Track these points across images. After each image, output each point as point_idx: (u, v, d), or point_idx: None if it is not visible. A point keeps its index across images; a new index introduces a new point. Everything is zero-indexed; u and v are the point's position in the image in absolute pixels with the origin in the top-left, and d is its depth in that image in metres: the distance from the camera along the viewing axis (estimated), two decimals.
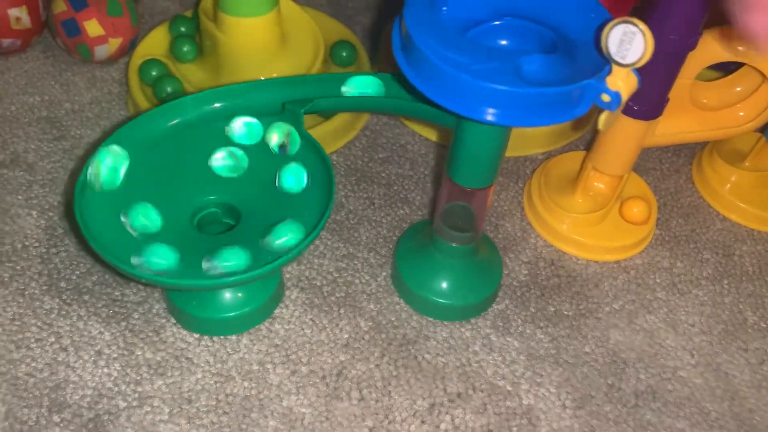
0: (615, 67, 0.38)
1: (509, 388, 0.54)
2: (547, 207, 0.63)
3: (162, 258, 0.45)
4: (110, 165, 0.49)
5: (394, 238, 0.62)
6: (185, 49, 0.72)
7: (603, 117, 0.40)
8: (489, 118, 0.38)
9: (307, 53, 0.70)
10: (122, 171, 0.50)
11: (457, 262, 0.56)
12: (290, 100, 0.52)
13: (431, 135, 0.70)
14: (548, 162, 0.67)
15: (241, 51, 0.67)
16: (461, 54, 0.39)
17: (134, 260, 0.46)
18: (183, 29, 0.74)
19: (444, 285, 0.56)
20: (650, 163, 0.72)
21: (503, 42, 0.43)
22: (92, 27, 0.69)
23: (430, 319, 0.57)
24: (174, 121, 0.52)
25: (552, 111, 0.38)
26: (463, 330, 0.57)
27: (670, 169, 0.72)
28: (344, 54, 0.74)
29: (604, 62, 0.39)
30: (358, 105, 0.50)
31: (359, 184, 0.66)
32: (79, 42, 0.70)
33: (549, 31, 0.43)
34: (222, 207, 0.53)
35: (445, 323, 0.57)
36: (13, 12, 0.70)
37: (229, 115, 0.53)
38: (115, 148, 0.50)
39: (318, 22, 0.73)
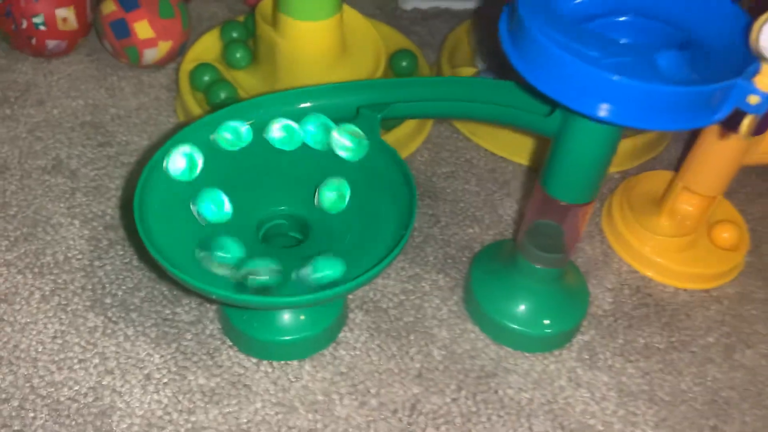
0: (766, 66, 0.34)
1: (601, 428, 0.48)
2: (630, 228, 0.58)
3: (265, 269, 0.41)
4: (184, 165, 0.45)
5: (464, 259, 0.57)
6: (238, 55, 0.68)
7: (747, 122, 0.35)
8: (619, 119, 0.34)
9: (368, 61, 0.66)
10: (197, 169, 0.46)
11: (542, 287, 0.51)
12: (366, 105, 0.48)
13: (504, 151, 0.66)
14: (630, 180, 0.62)
15: (301, 56, 0.62)
16: (589, 47, 0.34)
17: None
18: (235, 35, 0.70)
19: (526, 312, 0.51)
20: (731, 185, 0.67)
21: (623, 40, 0.38)
22: (142, 29, 0.65)
23: (509, 349, 0.52)
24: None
25: (691, 113, 0.34)
26: (546, 362, 0.51)
27: (753, 193, 0.67)
28: (404, 63, 0.70)
29: (747, 62, 0.34)
30: (444, 111, 0.46)
31: (423, 199, 0.62)
32: (127, 44, 0.66)
33: (674, 30, 0.38)
34: (290, 219, 0.48)
35: (526, 354, 0.52)
36: (61, 12, 0.66)
37: (299, 119, 0.49)
38: (187, 147, 0.46)
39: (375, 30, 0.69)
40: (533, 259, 0.49)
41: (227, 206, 0.45)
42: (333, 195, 0.46)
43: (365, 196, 0.47)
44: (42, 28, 0.66)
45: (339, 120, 0.49)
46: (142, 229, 0.42)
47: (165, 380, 0.48)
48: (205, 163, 0.46)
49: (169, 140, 0.46)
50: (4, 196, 0.58)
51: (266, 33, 0.63)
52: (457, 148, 0.66)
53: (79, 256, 0.54)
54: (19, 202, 0.58)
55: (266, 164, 0.48)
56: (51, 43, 0.67)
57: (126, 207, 0.58)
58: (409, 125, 0.64)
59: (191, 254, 0.43)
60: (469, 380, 0.50)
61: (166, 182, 0.45)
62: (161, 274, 0.53)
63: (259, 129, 0.48)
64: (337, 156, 0.48)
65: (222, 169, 0.46)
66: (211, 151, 0.47)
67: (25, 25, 0.65)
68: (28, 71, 0.69)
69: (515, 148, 0.65)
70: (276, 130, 0.47)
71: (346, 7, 0.66)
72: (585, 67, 0.33)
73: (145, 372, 0.48)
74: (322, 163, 0.48)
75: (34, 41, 0.67)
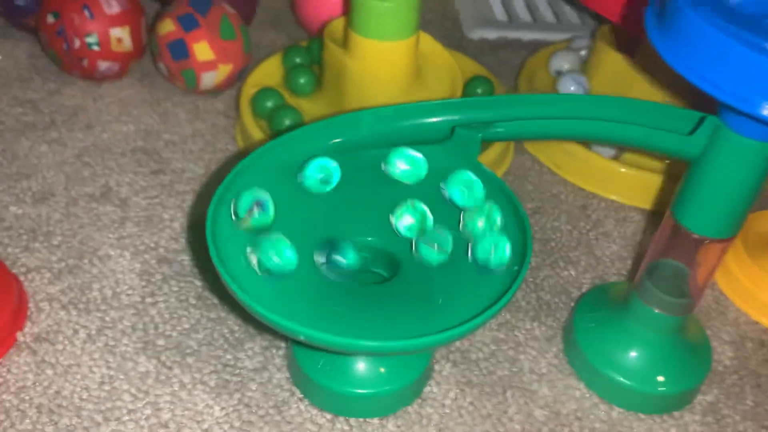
0: None
1: None
2: (747, 271, 0.51)
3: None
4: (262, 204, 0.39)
5: (561, 305, 0.51)
6: (302, 80, 0.63)
7: None
8: None
9: (444, 87, 0.61)
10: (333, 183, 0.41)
11: (662, 338, 0.44)
12: (462, 124, 0.42)
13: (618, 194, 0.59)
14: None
15: (373, 79, 0.57)
16: None
17: None
18: (298, 60, 0.66)
19: (641, 366, 0.44)
20: None
21: None
22: (202, 50, 0.61)
23: (621, 409, 0.45)
24: (329, 144, 0.42)
25: None
26: (666, 426, 0.44)
27: None
28: (479, 90, 0.64)
29: None
30: (558, 130, 0.40)
31: None
32: (185, 67, 0.61)
33: None
34: (374, 253, 0.42)
35: (641, 416, 0.44)
36: (115, 32, 0.62)
37: (385, 142, 0.43)
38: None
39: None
40: (653, 303, 0.43)
41: (289, 254, 0.38)
42: (433, 249, 0.40)
43: (458, 227, 0.41)
44: (95, 48, 0.62)
45: (431, 142, 0.43)
46: (216, 253, 0.36)
47: None
48: (288, 182, 0.40)
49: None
50: (48, 224, 0.53)
51: (335, 55, 0.59)
52: (542, 181, 0.60)
53: (129, 292, 0.48)
54: (64, 231, 0.52)
55: (351, 188, 0.42)
56: (103, 65, 0.63)
57: (181, 239, 0.52)
58: (488, 156, 0.59)
59: (265, 287, 0.37)
60: None
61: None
62: (233, 306, 0.47)
63: (348, 150, 0.43)
64: (428, 182, 0.42)
65: (289, 201, 0.41)
66: (280, 179, 0.42)
67: (77, 44, 0.61)
68: (77, 95, 0.65)
69: (607, 183, 0.59)
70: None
71: (422, 33, 0.61)
72: None
73: (204, 427, 0.41)
74: (411, 187, 0.42)
75: (85, 63, 0.62)
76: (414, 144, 0.43)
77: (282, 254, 0.37)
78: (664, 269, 0.42)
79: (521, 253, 0.38)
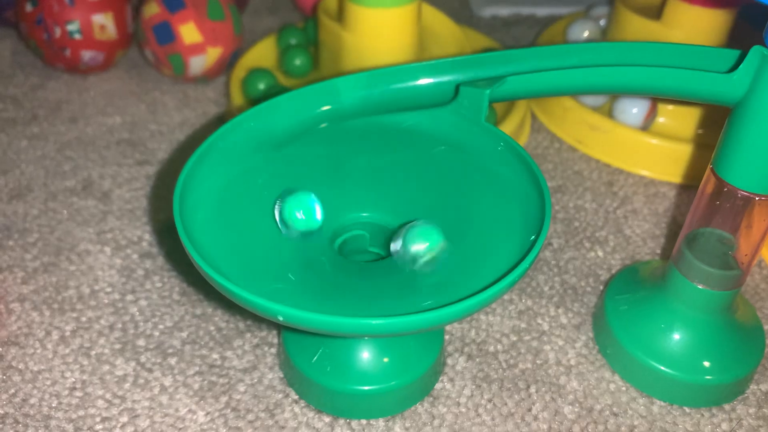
0: None
1: None
2: None
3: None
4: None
5: (589, 289, 0.45)
6: (297, 62, 0.59)
7: None
8: None
9: None
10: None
11: (707, 318, 0.38)
12: (467, 81, 0.37)
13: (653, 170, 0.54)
14: None
15: (371, 52, 0.53)
16: None
17: None
18: (293, 41, 0.61)
19: (687, 352, 0.38)
20: None
21: None
22: (188, 32, 0.57)
23: (663, 403, 0.39)
24: (317, 111, 0.38)
25: None
26: (715, 420, 0.38)
27: None
28: None
29: None
30: (579, 82, 0.35)
31: None
32: (171, 51, 0.57)
33: None
34: (372, 230, 0.37)
35: (687, 409, 0.39)
36: (97, 19, 0.58)
37: (381, 108, 0.38)
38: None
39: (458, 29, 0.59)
40: (696, 276, 0.37)
41: (318, 213, 0.34)
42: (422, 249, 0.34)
43: (468, 197, 0.36)
44: (77, 36, 0.58)
45: (434, 105, 0.39)
46: (185, 233, 0.31)
47: None
48: (270, 152, 0.35)
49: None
50: (24, 221, 0.48)
51: (330, 30, 0.54)
52: (562, 159, 0.55)
53: (108, 289, 0.44)
54: (41, 228, 0.48)
55: (344, 158, 0.37)
56: (86, 55, 0.59)
57: (166, 231, 0.48)
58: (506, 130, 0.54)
59: (249, 266, 0.32)
60: None
61: (217, 177, 0.35)
62: (221, 301, 0.43)
63: (339, 118, 0.38)
64: (432, 149, 0.38)
65: (288, 162, 0.36)
66: (267, 150, 0.37)
67: (58, 33, 0.57)
68: (61, 89, 0.61)
69: (635, 157, 0.54)
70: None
71: (424, 5, 0.57)
72: None
73: None
74: (413, 157, 0.38)
75: (68, 53, 0.58)
76: (414, 108, 0.39)
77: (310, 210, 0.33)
78: (706, 238, 0.37)
79: (538, 219, 0.33)
